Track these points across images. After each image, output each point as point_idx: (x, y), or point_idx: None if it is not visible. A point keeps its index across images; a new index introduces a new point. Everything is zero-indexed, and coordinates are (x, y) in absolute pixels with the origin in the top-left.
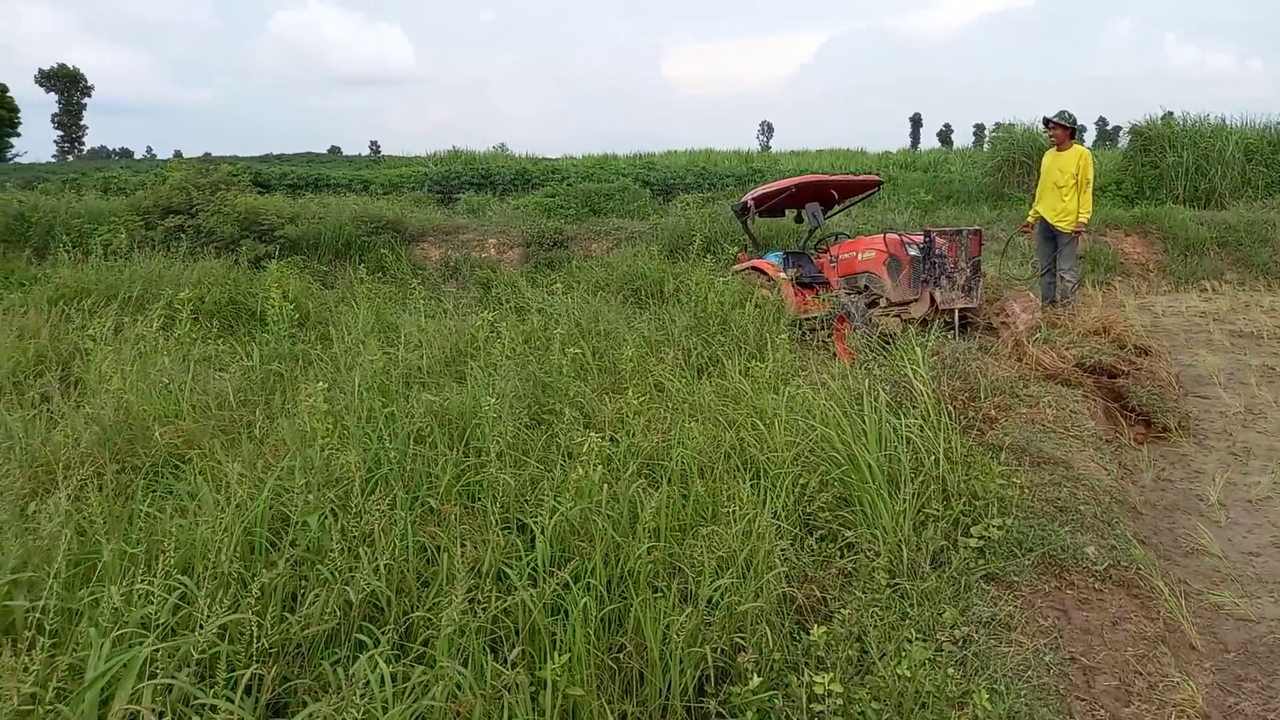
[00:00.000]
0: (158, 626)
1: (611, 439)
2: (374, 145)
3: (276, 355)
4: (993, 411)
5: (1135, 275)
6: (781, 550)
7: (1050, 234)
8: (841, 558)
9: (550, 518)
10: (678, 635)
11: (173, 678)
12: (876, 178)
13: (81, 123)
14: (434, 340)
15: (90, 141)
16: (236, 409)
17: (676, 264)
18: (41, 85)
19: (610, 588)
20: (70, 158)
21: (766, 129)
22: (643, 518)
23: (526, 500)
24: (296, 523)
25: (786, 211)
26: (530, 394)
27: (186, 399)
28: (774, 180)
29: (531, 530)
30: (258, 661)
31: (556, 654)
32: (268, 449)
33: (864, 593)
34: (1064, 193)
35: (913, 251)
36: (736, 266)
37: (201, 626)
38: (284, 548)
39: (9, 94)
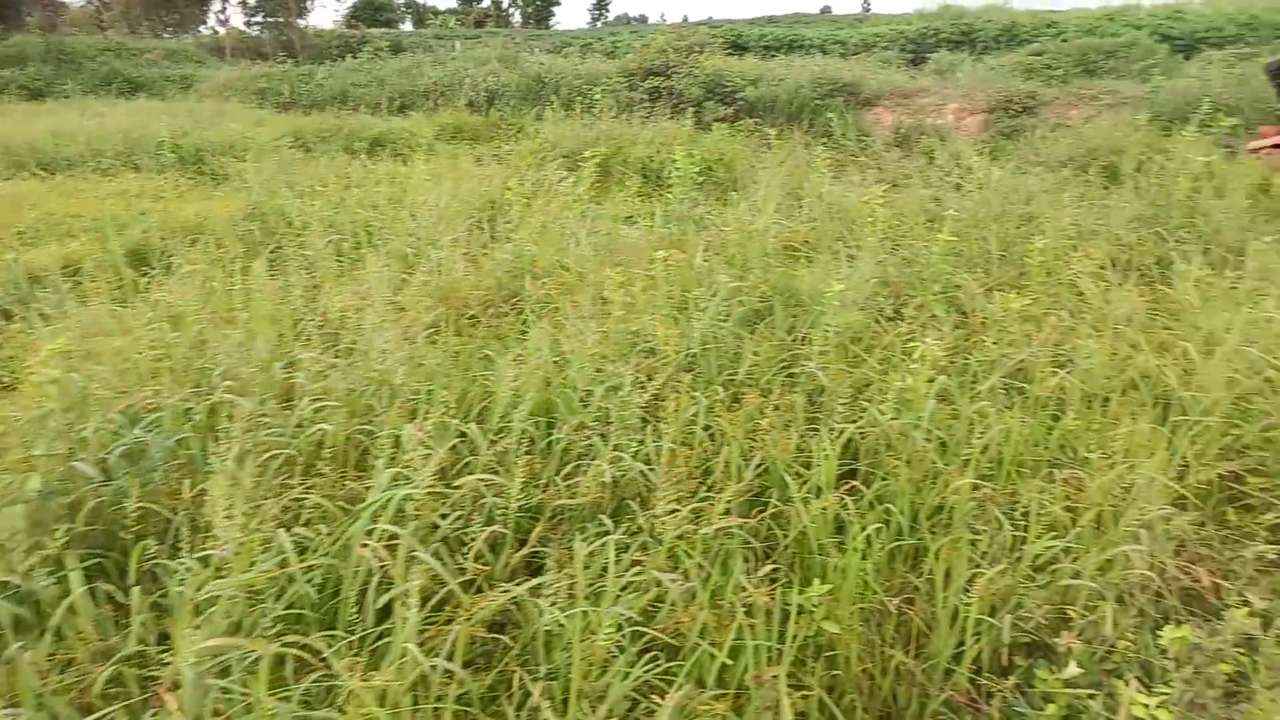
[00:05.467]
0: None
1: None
2: (865, 3)
3: (676, 217)
4: None
5: None
6: (1166, 515)
7: None
8: (1270, 540)
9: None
10: (983, 591)
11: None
12: None
13: None
14: (822, 211)
15: (616, 10)
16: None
17: (1170, 138)
18: None
19: (917, 520)
20: (599, 25)
21: None
22: (979, 444)
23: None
24: (584, 390)
25: None
26: (903, 281)
27: (578, 252)
28: None
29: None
30: (526, 518)
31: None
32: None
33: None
34: None
35: None
36: (1254, 144)
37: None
38: (576, 414)
39: None
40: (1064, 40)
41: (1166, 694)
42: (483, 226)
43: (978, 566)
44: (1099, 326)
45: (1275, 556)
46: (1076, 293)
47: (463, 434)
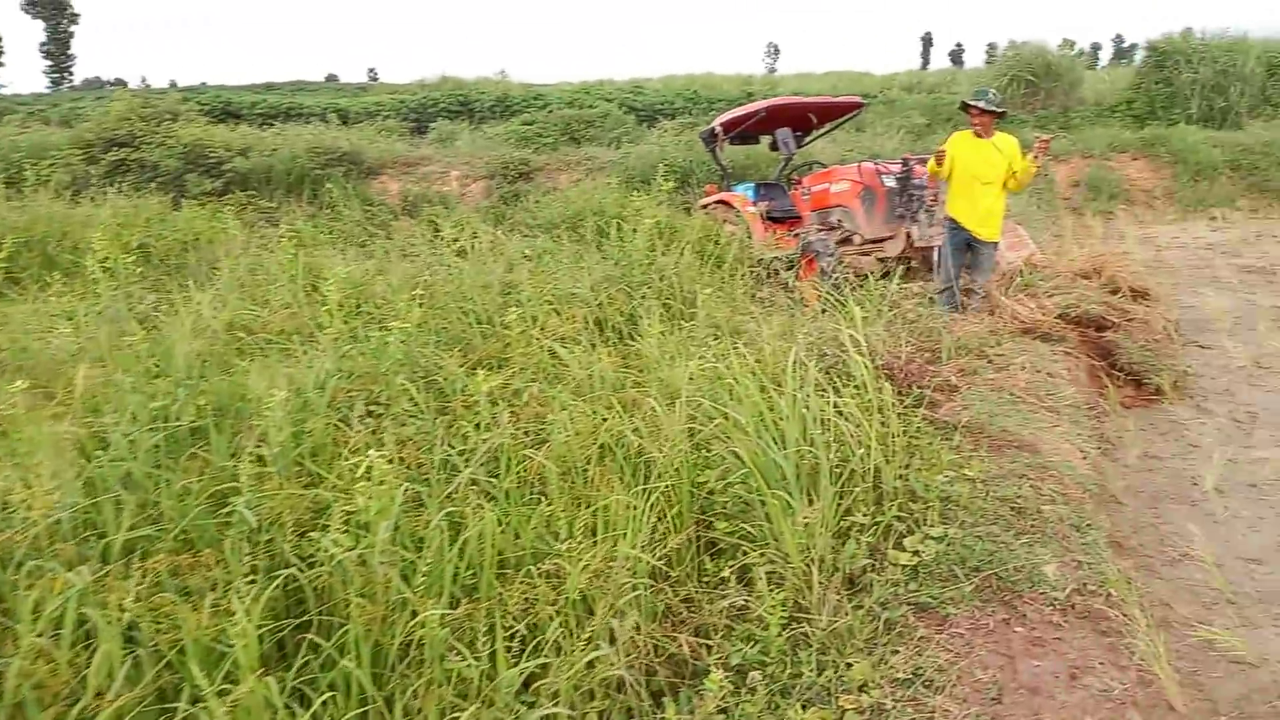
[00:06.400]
0: None
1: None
2: (371, 72)
3: (113, 317)
4: (954, 377)
5: (1140, 203)
6: (643, 592)
7: (967, 242)
8: (740, 582)
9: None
10: None
11: None
12: (858, 99)
13: (70, 51)
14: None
15: (86, 71)
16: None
17: (640, 197)
18: (27, 12)
19: (390, 667)
20: (64, 89)
21: (773, 50)
22: (443, 561)
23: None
24: None
25: (763, 139)
26: (374, 371)
27: None
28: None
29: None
30: None
31: None
32: None
33: (749, 642)
34: (990, 191)
35: (889, 182)
36: (703, 200)
37: None
38: None
39: None
40: (550, 111)
41: None
42: None
43: (456, 709)
44: (576, 393)
45: (744, 603)
46: (556, 360)
47: None
